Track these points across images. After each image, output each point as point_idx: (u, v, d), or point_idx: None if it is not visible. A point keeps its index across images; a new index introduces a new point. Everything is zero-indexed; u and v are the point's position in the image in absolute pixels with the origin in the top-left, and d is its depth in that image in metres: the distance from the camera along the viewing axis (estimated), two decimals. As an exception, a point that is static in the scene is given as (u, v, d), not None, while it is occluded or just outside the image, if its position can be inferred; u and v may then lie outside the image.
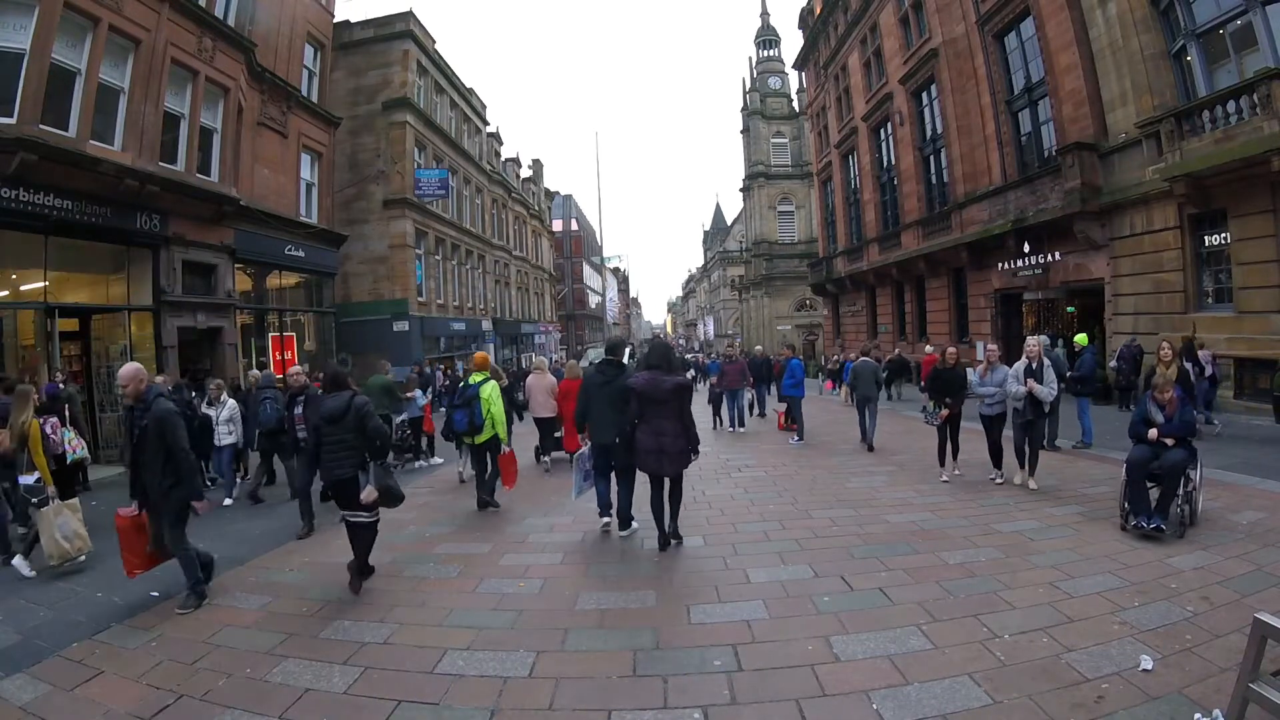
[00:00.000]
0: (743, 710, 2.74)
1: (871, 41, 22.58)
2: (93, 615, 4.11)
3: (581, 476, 5.60)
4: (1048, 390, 6.13)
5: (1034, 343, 6.33)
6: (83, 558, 5.07)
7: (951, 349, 7.47)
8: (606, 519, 5.52)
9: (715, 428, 11.92)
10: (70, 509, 5.14)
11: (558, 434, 8.62)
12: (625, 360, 5.93)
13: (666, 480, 4.92)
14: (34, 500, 5.11)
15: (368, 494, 4.23)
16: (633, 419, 4.97)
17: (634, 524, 5.40)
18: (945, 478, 6.94)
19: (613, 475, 5.45)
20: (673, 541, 5.00)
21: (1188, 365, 8.55)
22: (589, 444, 5.50)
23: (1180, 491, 4.67)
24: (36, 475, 5.18)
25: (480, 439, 6.40)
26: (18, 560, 5.07)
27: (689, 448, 4.88)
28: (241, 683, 3.15)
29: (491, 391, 6.44)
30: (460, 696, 2.95)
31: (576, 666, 3.19)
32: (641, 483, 5.19)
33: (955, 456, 7.07)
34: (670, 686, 2.94)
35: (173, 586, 4.60)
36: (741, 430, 11.56)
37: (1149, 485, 4.78)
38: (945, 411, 6.95)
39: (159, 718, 2.88)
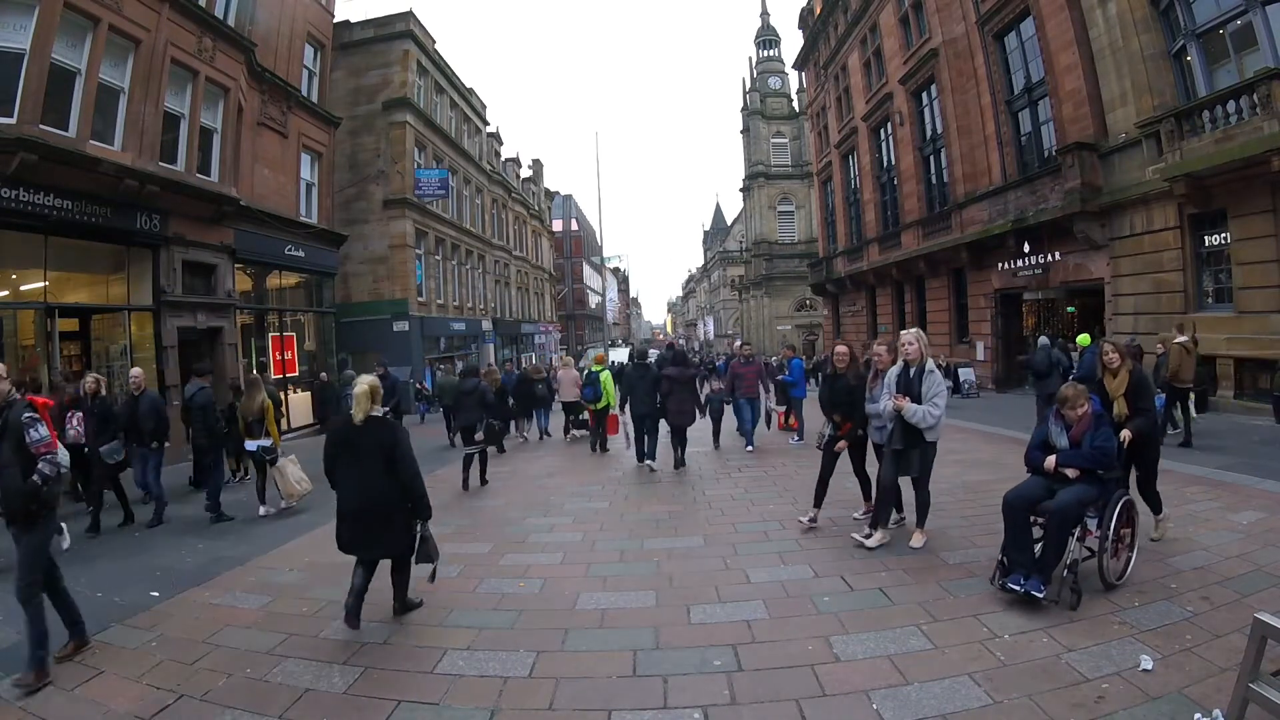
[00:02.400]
0: (743, 710, 2.74)
1: (871, 41, 22.58)
2: (93, 615, 4.10)
3: (628, 438, 9.00)
4: (924, 412, 4.36)
5: (912, 338, 4.63)
6: (309, 496, 6.89)
7: (842, 348, 5.39)
8: (645, 463, 8.36)
9: (717, 447, 9.68)
10: (291, 462, 7.02)
11: (582, 415, 11.39)
12: (650, 361, 8.75)
13: (684, 430, 8.39)
14: (269, 459, 7.00)
15: (481, 436, 7.77)
16: (664, 395, 8.12)
17: (655, 464, 8.41)
18: (805, 519, 5.33)
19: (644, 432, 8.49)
20: (681, 466, 8.22)
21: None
22: (629, 415, 8.71)
23: (1074, 546, 3.54)
24: (269, 440, 7.06)
25: (599, 405, 10.20)
26: (263, 509, 6.88)
27: (696, 409, 8.40)
28: (241, 683, 3.15)
29: (607, 376, 10.27)
30: (460, 696, 2.95)
31: (576, 666, 3.19)
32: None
33: (868, 497, 5.34)
34: (670, 686, 2.94)
35: (169, 589, 4.61)
36: (750, 450, 9.35)
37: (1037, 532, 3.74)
38: (841, 442, 5.17)
39: (159, 718, 2.88)
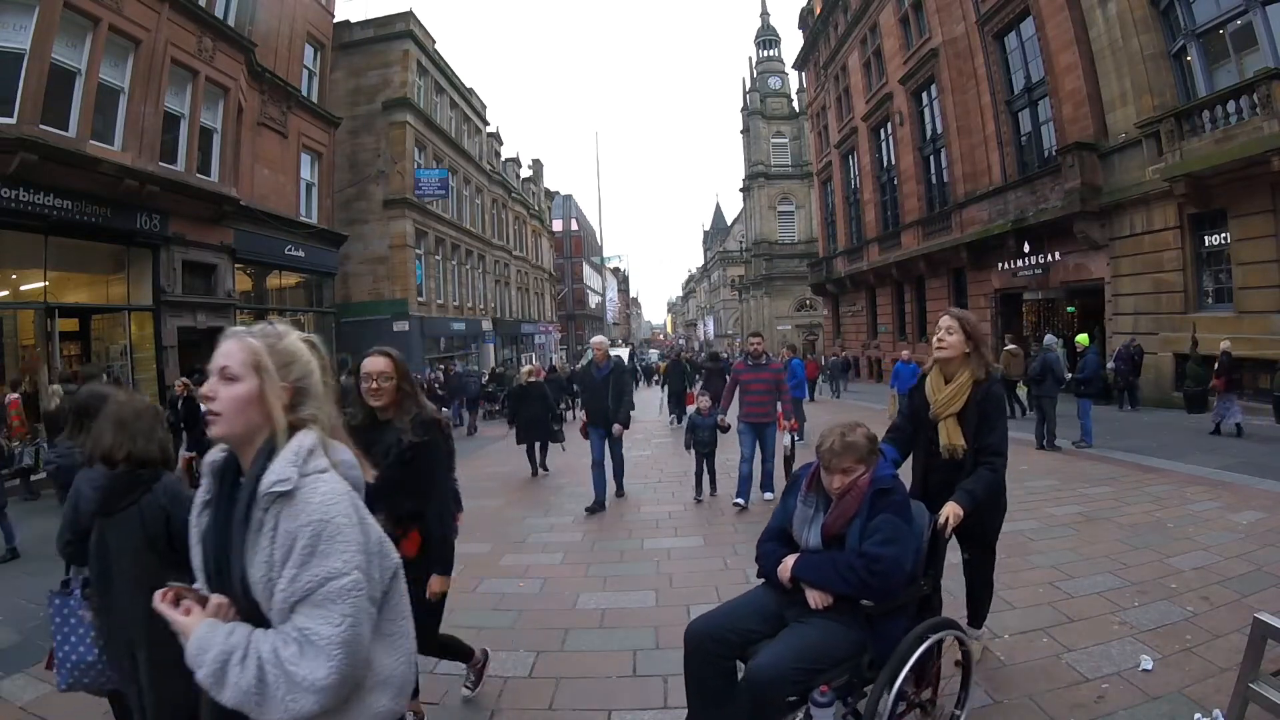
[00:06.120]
0: (743, 710, 2.73)
1: (871, 41, 22.59)
2: (93, 615, 4.10)
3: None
4: (251, 678, 1.05)
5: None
6: None
7: (377, 362, 2.44)
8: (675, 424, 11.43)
9: (699, 498, 6.47)
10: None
11: None
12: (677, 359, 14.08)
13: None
14: None
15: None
16: (704, 382, 10.08)
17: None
18: None
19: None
20: None
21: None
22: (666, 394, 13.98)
23: None
24: None
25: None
26: None
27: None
28: (241, 683, 3.13)
29: (684, 369, 14.47)
30: (460, 696, 2.95)
31: (576, 666, 3.18)
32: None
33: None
34: (670, 686, 2.94)
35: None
36: (740, 507, 6.00)
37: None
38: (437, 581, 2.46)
39: (159, 718, 2.87)
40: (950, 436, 2.59)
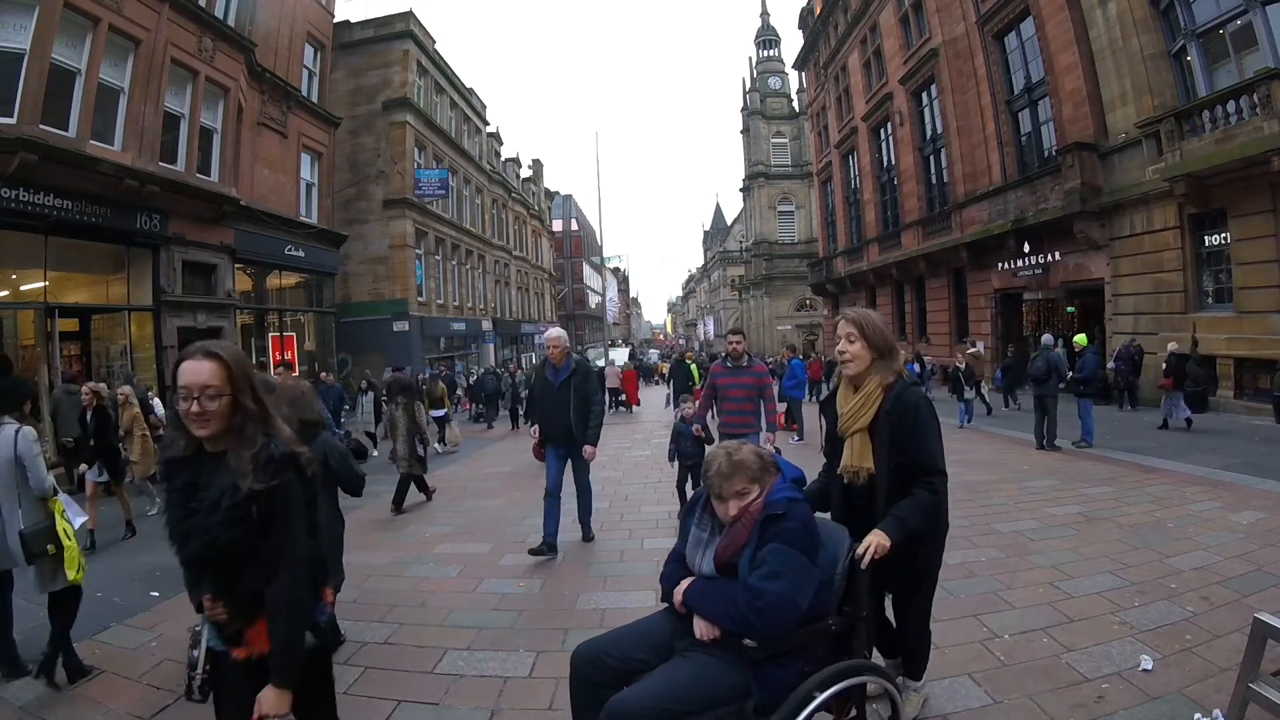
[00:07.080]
0: (743, 710, 2.73)
1: (871, 41, 22.59)
2: (93, 615, 4.09)
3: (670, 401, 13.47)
4: None
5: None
6: (459, 448, 11.42)
7: (199, 362, 1.62)
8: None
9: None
10: (456, 425, 12.09)
11: (622, 396, 17.76)
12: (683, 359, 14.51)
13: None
14: (447, 421, 11.49)
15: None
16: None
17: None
18: None
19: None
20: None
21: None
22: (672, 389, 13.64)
23: None
24: (445, 410, 11.54)
25: (690, 384, 12.45)
26: (435, 444, 10.32)
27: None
28: (241, 683, 3.13)
29: (694, 367, 14.02)
30: (460, 696, 2.95)
31: (576, 666, 3.18)
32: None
33: None
34: (670, 686, 2.94)
35: (169, 589, 4.61)
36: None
37: None
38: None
39: (159, 718, 2.87)
40: (857, 456, 2.21)
